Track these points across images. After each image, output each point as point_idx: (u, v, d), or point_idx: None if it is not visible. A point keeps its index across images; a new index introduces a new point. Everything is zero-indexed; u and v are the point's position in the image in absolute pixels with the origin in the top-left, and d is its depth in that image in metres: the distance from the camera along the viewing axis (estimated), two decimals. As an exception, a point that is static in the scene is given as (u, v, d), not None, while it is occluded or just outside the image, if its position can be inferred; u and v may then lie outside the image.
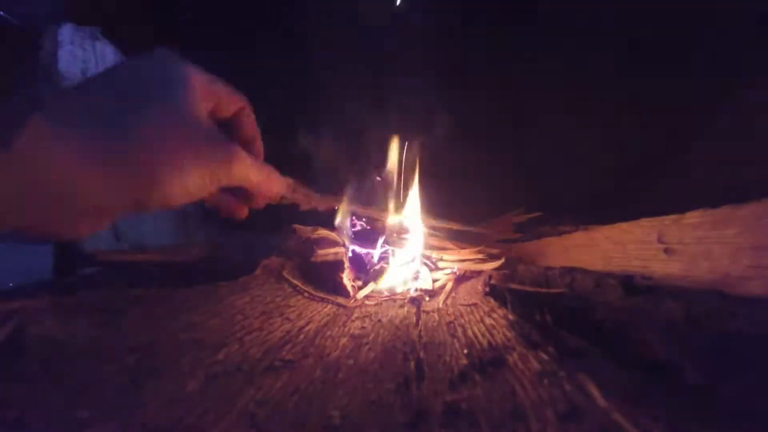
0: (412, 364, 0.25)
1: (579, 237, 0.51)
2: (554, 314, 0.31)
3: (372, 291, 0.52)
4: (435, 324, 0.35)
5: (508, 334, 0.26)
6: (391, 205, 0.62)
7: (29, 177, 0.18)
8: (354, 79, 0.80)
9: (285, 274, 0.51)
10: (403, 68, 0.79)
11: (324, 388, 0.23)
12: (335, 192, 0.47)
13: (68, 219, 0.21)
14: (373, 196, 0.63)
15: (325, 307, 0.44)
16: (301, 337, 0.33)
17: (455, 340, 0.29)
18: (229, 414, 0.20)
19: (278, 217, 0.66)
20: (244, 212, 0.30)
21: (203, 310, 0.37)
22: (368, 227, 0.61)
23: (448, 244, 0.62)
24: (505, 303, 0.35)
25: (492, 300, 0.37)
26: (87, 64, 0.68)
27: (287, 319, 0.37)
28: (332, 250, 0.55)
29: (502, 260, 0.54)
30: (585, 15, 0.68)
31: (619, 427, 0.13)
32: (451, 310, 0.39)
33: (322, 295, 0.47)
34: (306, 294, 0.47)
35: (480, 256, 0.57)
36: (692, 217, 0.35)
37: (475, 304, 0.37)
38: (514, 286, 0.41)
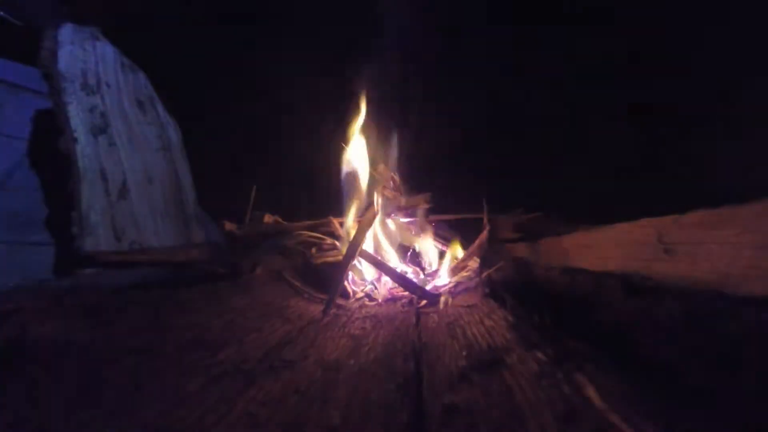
0: (412, 364, 0.25)
1: (579, 237, 0.51)
2: (554, 315, 0.31)
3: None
4: (434, 325, 0.35)
5: (508, 336, 0.26)
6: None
7: None
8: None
9: (285, 275, 0.51)
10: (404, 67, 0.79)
11: (324, 389, 0.23)
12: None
13: None
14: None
15: (325, 307, 0.44)
16: (302, 337, 0.33)
17: (455, 342, 0.29)
18: (230, 414, 0.20)
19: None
20: None
21: (203, 311, 0.37)
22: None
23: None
24: (504, 304, 0.35)
25: (492, 301, 0.37)
26: (87, 64, 0.68)
27: (287, 319, 0.37)
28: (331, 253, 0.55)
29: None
30: (585, 17, 0.68)
31: (615, 428, 0.13)
32: (450, 311, 0.39)
33: (322, 296, 0.47)
34: (306, 295, 0.47)
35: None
36: (692, 217, 0.35)
37: (474, 306, 0.37)
38: (513, 287, 0.41)
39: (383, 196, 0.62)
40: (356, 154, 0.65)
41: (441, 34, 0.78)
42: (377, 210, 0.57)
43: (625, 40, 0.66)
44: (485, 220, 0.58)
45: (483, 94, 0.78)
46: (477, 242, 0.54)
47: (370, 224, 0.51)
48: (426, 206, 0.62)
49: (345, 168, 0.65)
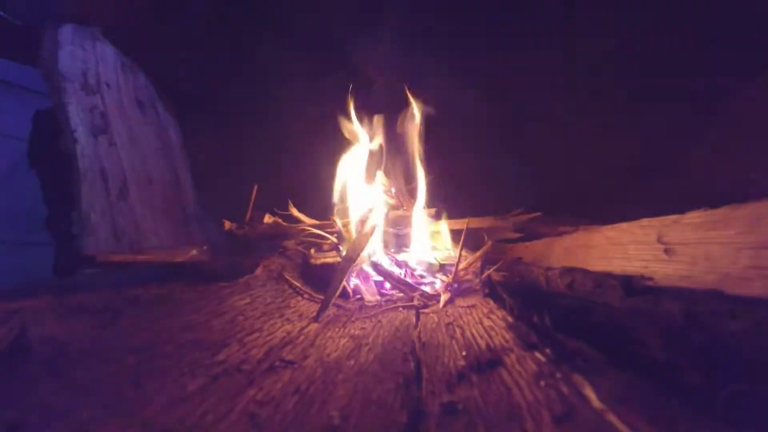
0: (411, 365, 0.25)
1: (579, 237, 0.51)
2: (554, 315, 0.31)
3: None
4: (434, 325, 0.35)
5: (507, 336, 0.26)
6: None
7: None
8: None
9: (285, 275, 0.51)
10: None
11: (324, 389, 0.23)
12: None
13: None
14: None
15: (325, 307, 0.44)
16: (302, 338, 0.33)
17: (454, 342, 0.29)
18: (230, 414, 0.20)
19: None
20: None
21: (204, 311, 0.37)
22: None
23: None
24: (504, 304, 0.35)
25: (491, 301, 0.37)
26: (87, 64, 0.68)
27: (288, 319, 0.37)
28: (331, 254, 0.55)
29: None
30: (587, 12, 0.68)
31: (613, 428, 0.13)
32: (450, 311, 0.39)
33: (322, 296, 0.47)
34: (306, 295, 0.47)
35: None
36: (692, 217, 0.35)
37: (474, 306, 0.37)
38: (513, 287, 0.41)
39: (386, 203, 0.63)
40: (359, 159, 0.66)
41: (439, 31, 0.78)
42: (378, 219, 0.57)
43: (625, 40, 0.66)
44: (486, 237, 0.59)
45: (482, 94, 0.78)
46: (478, 254, 0.54)
47: (371, 233, 0.50)
48: (431, 219, 0.63)
49: (348, 173, 0.65)
